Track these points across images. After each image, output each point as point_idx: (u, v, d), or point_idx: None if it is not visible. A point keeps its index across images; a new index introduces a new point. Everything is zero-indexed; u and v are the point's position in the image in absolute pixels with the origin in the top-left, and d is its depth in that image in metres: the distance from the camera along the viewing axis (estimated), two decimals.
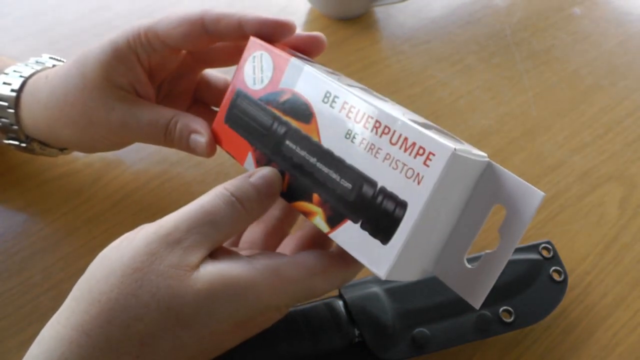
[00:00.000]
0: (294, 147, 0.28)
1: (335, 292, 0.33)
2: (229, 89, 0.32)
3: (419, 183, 0.23)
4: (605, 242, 0.41)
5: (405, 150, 0.24)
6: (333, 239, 0.26)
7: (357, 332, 0.31)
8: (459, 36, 0.58)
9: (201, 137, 0.32)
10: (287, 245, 0.32)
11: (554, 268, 0.36)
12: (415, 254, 0.25)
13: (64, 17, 0.57)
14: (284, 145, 0.28)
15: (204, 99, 0.40)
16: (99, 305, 0.23)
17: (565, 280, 0.35)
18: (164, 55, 0.34)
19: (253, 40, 0.31)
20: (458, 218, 0.26)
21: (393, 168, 0.24)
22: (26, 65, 0.38)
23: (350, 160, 0.26)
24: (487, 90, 0.52)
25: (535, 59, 0.56)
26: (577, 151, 0.47)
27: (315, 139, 0.27)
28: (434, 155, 0.23)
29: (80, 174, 0.43)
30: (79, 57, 0.34)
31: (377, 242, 0.24)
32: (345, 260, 0.28)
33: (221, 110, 0.32)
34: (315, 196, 0.27)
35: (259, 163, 0.29)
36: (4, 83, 0.37)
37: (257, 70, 0.30)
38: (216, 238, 0.26)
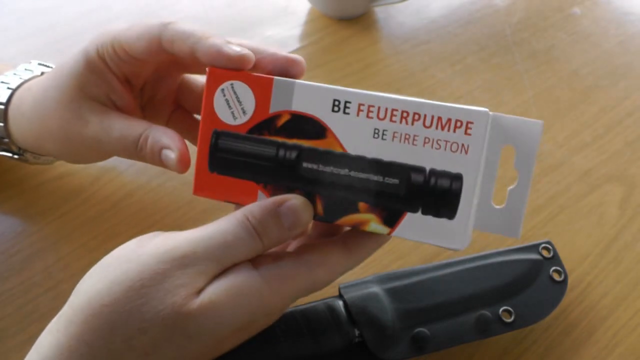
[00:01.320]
0: (315, 167, 0.26)
1: (335, 292, 0.33)
2: (200, 134, 0.28)
3: (466, 152, 0.25)
4: (605, 242, 0.41)
5: (442, 128, 0.25)
6: (398, 236, 0.26)
7: (357, 332, 0.31)
8: (459, 36, 0.58)
9: (171, 153, 0.30)
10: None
11: (554, 268, 0.36)
12: (473, 216, 0.26)
13: (64, 17, 0.57)
14: (301, 169, 0.27)
15: (185, 105, 0.38)
16: (100, 316, 0.23)
17: (565, 280, 0.35)
18: (133, 64, 0.33)
19: (213, 72, 0.28)
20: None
21: (436, 149, 0.25)
22: (14, 74, 0.38)
23: (388, 157, 0.26)
24: (487, 90, 0.52)
25: (535, 59, 0.56)
26: (577, 151, 0.47)
27: (338, 150, 0.26)
28: (472, 123, 0.25)
29: (79, 174, 0.43)
30: (56, 69, 0.34)
31: (443, 221, 0.25)
32: (347, 248, 0.27)
33: (199, 160, 0.28)
34: (362, 204, 0.26)
35: (277, 195, 0.27)
36: None
37: (232, 103, 0.27)
38: (228, 264, 0.26)
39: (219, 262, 0.25)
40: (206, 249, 0.25)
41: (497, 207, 0.27)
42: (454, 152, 0.25)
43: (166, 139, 0.30)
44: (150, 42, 0.30)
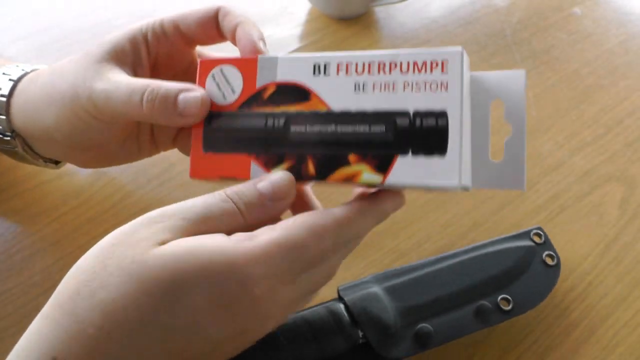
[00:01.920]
0: (303, 128, 0.28)
1: (335, 295, 0.33)
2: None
3: (446, 89, 0.26)
4: (605, 242, 0.41)
5: (419, 71, 0.26)
6: (391, 183, 0.26)
7: (360, 333, 0.31)
8: (459, 36, 0.58)
9: (192, 92, 0.29)
10: None
11: (546, 253, 0.36)
12: (466, 156, 0.26)
13: (64, 17, 0.57)
14: (289, 133, 0.28)
15: None
16: (73, 279, 0.24)
17: (558, 264, 0.36)
18: (173, 43, 0.34)
19: (203, 62, 0.30)
20: (471, 125, 0.27)
21: (416, 91, 0.26)
22: (17, 66, 0.37)
23: (371, 107, 0.27)
24: None
25: (535, 59, 0.56)
26: (577, 151, 0.47)
27: (323, 109, 0.27)
28: (447, 61, 0.26)
29: (79, 174, 0.43)
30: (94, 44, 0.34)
31: (435, 159, 0.25)
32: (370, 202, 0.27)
33: (194, 145, 0.30)
34: (352, 156, 0.27)
35: (269, 164, 0.28)
36: None
37: (222, 85, 0.30)
38: (200, 229, 0.25)
39: (189, 221, 0.25)
40: (175, 209, 0.25)
41: (496, 161, 0.27)
42: (433, 91, 0.26)
43: (185, 84, 0.30)
44: (207, 13, 0.32)
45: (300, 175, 0.27)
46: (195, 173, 0.30)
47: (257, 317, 0.24)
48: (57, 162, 0.40)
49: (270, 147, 0.28)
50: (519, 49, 0.57)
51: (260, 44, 0.31)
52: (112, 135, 0.34)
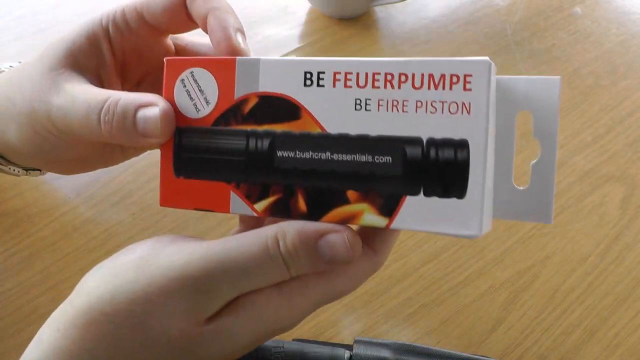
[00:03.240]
0: (291, 154, 0.23)
1: (351, 338, 0.33)
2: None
3: (468, 112, 0.21)
4: (606, 243, 0.41)
5: (436, 87, 0.21)
6: (398, 228, 0.22)
7: None
8: (459, 36, 0.58)
9: (151, 109, 0.24)
10: None
11: None
12: (488, 194, 0.22)
13: (63, 16, 0.57)
14: (275, 159, 0.23)
15: None
16: (101, 325, 0.22)
17: None
18: (140, 35, 0.29)
19: (170, 62, 0.25)
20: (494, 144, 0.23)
21: (431, 113, 0.21)
22: None
23: (375, 131, 0.22)
24: None
25: (536, 59, 0.55)
26: (578, 151, 0.47)
27: (316, 130, 0.22)
28: (471, 75, 0.21)
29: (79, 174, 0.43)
30: (49, 43, 0.30)
31: (451, 201, 0.21)
32: (371, 248, 0.24)
33: (164, 167, 0.25)
34: (351, 193, 0.22)
35: (252, 197, 0.24)
36: None
37: (194, 94, 0.24)
38: (246, 291, 0.23)
39: (235, 288, 0.22)
40: (223, 272, 0.22)
41: (520, 188, 0.23)
42: (453, 113, 0.21)
43: (145, 97, 0.25)
44: None
45: (288, 212, 0.23)
46: (166, 201, 0.25)
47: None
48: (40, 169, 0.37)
49: (253, 175, 0.23)
50: (519, 49, 0.56)
51: (239, 38, 0.25)
52: (84, 150, 0.31)
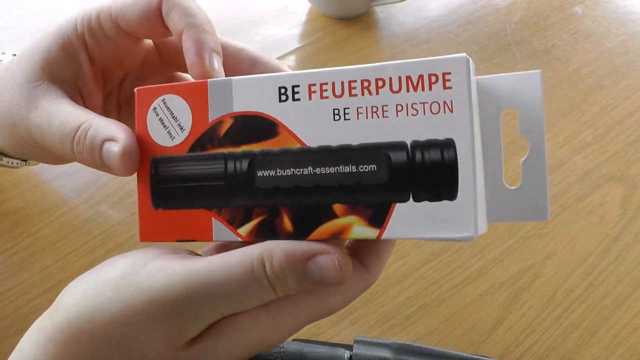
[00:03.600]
0: (272, 172, 0.22)
1: (351, 338, 0.33)
2: (138, 169, 0.25)
3: (451, 110, 0.20)
4: (606, 243, 0.41)
5: (415, 88, 0.21)
6: (390, 237, 0.21)
7: None
8: (460, 36, 0.58)
9: (114, 145, 0.24)
10: None
11: None
12: (480, 194, 0.21)
13: (63, 16, 0.57)
14: (256, 180, 0.22)
15: None
16: (79, 343, 0.22)
17: None
18: (118, 44, 0.29)
19: (141, 91, 0.24)
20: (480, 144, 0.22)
21: (413, 115, 0.21)
22: None
23: (357, 139, 0.21)
24: None
25: (536, 59, 0.55)
26: (578, 151, 0.47)
27: (295, 146, 0.22)
28: (449, 73, 0.20)
29: (79, 173, 0.43)
30: (28, 47, 0.29)
31: (443, 204, 0.20)
32: (363, 265, 0.23)
33: (141, 200, 0.25)
34: (338, 207, 0.21)
35: (234, 222, 0.23)
36: None
37: (167, 121, 0.24)
38: (228, 314, 0.22)
39: (217, 312, 0.21)
40: (204, 296, 0.21)
41: (512, 188, 0.22)
42: (435, 113, 0.20)
43: (110, 129, 0.24)
44: (149, 5, 0.26)
45: (274, 234, 0.22)
46: (146, 236, 0.24)
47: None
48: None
49: (234, 198, 0.23)
50: (519, 49, 0.56)
51: (214, 62, 0.25)
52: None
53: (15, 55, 0.37)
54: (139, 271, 0.22)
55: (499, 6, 0.62)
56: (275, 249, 0.21)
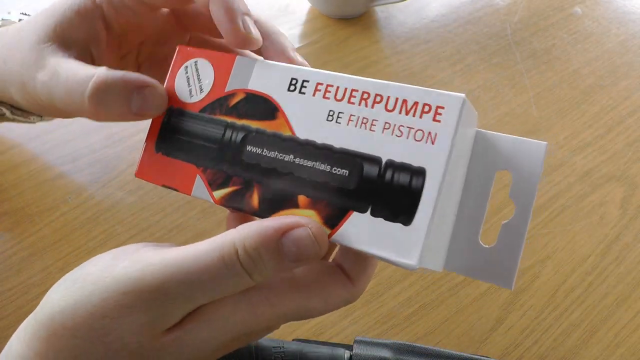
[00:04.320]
0: (259, 150, 0.24)
1: (351, 338, 0.32)
2: None
3: (433, 143, 0.21)
4: (606, 243, 0.41)
5: (407, 112, 0.21)
6: (337, 241, 0.22)
7: None
8: (460, 36, 0.58)
9: (156, 89, 0.25)
10: None
11: None
12: (439, 233, 0.22)
13: None
14: (244, 153, 0.24)
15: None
16: (62, 338, 0.22)
17: None
18: (136, 12, 0.29)
19: (182, 49, 0.27)
20: (461, 193, 0.23)
21: (397, 136, 0.21)
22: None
23: (340, 143, 0.22)
24: (488, 90, 0.52)
25: (536, 59, 0.55)
26: (578, 151, 0.47)
27: (287, 133, 0.23)
28: (443, 108, 0.21)
29: (79, 174, 0.43)
30: (43, 10, 0.29)
31: (396, 227, 0.21)
32: (348, 277, 0.24)
33: (149, 140, 0.26)
34: (302, 198, 0.22)
35: (213, 184, 0.24)
36: None
37: (192, 81, 0.26)
38: (205, 302, 0.22)
39: (192, 301, 0.21)
40: (178, 284, 0.21)
41: (486, 246, 0.22)
42: (418, 141, 0.21)
43: (146, 77, 0.25)
44: None
45: (241, 205, 0.24)
46: (141, 173, 0.26)
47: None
48: None
49: (220, 163, 0.24)
50: (519, 49, 0.56)
51: (249, 25, 0.25)
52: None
53: (26, 14, 0.37)
54: (117, 264, 0.22)
55: (499, 6, 0.62)
56: (247, 231, 0.21)
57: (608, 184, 0.45)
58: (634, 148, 0.48)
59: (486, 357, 0.31)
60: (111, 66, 0.28)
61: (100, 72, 0.25)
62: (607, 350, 0.35)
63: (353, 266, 0.24)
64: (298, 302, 0.23)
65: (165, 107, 0.26)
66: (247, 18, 0.25)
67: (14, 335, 0.24)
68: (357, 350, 0.31)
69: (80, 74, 0.25)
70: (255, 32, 0.25)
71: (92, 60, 0.29)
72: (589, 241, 0.41)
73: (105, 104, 0.25)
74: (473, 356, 0.32)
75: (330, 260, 0.25)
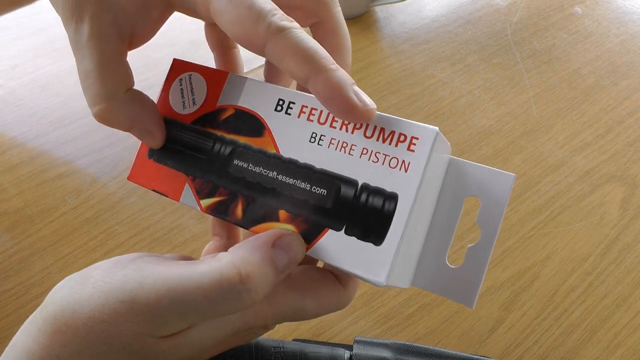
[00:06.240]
0: (245, 165, 0.25)
1: (350, 338, 0.32)
2: None
3: (406, 170, 0.22)
4: (606, 243, 0.41)
5: (384, 140, 0.23)
6: (313, 255, 0.23)
7: None
8: (460, 36, 0.58)
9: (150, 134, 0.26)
10: None
11: None
12: (408, 254, 0.23)
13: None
14: (231, 166, 0.25)
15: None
16: (66, 335, 0.23)
17: None
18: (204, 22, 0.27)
19: (177, 63, 0.28)
20: (432, 216, 0.25)
21: (373, 162, 0.23)
22: None
23: (320, 164, 0.24)
24: (488, 90, 0.52)
25: (536, 59, 0.55)
26: (578, 151, 0.47)
27: (271, 150, 0.25)
28: (417, 139, 0.22)
29: (79, 174, 0.43)
30: None
31: (368, 246, 0.22)
32: (340, 282, 0.25)
33: (142, 146, 0.28)
34: (283, 213, 0.24)
35: (201, 193, 0.26)
36: None
37: (186, 93, 0.27)
38: (197, 322, 0.22)
39: (187, 320, 0.22)
40: (172, 303, 0.21)
41: (452, 266, 0.24)
42: (392, 168, 0.22)
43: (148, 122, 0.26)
44: (250, 37, 0.22)
45: (226, 215, 0.25)
46: (133, 176, 0.28)
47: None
48: None
49: (209, 174, 0.26)
50: (519, 49, 0.56)
51: (363, 98, 0.22)
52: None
53: None
54: (118, 271, 0.23)
55: (499, 6, 0.62)
56: (245, 250, 0.22)
57: (608, 184, 0.45)
58: (634, 148, 0.48)
59: (486, 357, 0.31)
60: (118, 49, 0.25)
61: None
62: (607, 350, 0.35)
63: (342, 272, 0.25)
64: (293, 301, 0.24)
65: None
66: (356, 88, 0.22)
67: (18, 332, 0.25)
68: (357, 350, 0.31)
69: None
70: (369, 101, 0.22)
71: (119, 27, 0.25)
72: (589, 241, 0.41)
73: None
74: (473, 356, 0.32)
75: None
